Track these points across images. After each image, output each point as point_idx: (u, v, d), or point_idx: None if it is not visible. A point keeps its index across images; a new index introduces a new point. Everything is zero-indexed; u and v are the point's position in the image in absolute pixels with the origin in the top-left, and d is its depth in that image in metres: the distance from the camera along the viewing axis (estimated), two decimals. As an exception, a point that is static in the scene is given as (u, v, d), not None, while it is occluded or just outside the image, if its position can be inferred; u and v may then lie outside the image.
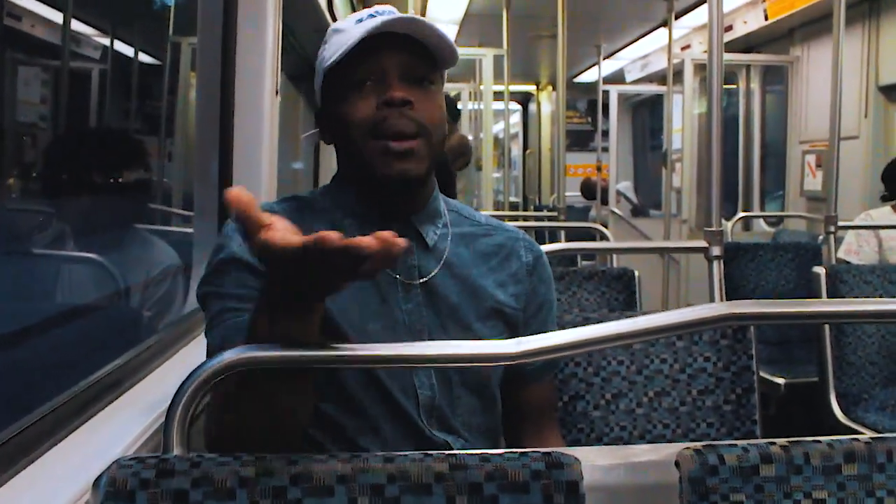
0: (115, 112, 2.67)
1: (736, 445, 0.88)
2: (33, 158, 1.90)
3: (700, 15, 5.43)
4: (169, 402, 0.94)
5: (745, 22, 5.35)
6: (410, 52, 1.09)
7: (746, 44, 5.75)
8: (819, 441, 0.90)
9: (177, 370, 1.30)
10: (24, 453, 0.93)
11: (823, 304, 1.02)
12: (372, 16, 1.09)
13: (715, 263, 2.01)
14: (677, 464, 0.87)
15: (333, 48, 1.10)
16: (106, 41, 2.53)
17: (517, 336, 1.15)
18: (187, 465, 0.83)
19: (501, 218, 4.40)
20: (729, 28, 5.41)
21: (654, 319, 0.90)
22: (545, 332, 1.19)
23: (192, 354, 1.27)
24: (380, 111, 1.07)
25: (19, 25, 1.97)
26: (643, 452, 0.99)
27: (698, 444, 0.87)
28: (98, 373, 1.18)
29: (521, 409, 1.23)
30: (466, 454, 0.85)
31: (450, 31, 6.72)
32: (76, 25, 2.24)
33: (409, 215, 1.16)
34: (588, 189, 7.35)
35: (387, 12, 1.10)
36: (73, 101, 2.19)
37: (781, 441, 0.90)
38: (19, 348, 1.32)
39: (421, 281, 1.15)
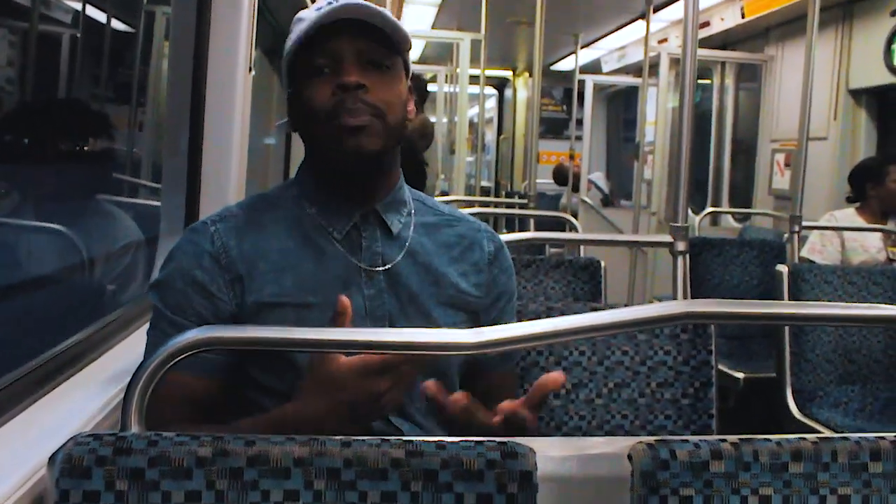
0: (86, 79, 2.63)
1: (688, 441, 0.90)
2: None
3: (678, 9, 5.46)
4: (128, 379, 0.94)
5: (723, 19, 5.39)
6: (366, 37, 1.11)
7: (723, 40, 5.80)
8: (768, 440, 0.92)
9: (137, 347, 1.29)
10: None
11: (780, 307, 1.05)
12: (330, 2, 1.11)
13: (679, 259, 2.04)
14: (630, 457, 0.89)
15: (294, 36, 1.13)
16: (78, 5, 2.49)
17: (477, 324, 1.19)
18: (145, 444, 0.83)
19: (472, 203, 4.42)
20: (706, 24, 5.45)
21: (613, 315, 0.91)
22: (504, 321, 1.25)
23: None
24: (335, 96, 1.10)
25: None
26: (597, 445, 1.01)
27: (651, 439, 0.89)
28: (57, 347, 1.18)
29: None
30: (423, 441, 0.86)
31: (428, 14, 6.69)
32: (48, -12, 2.20)
33: (373, 203, 1.18)
34: (560, 175, 7.38)
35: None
36: (42, 65, 2.15)
37: (732, 438, 0.92)
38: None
39: (384, 268, 1.17)
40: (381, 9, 1.10)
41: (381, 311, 1.15)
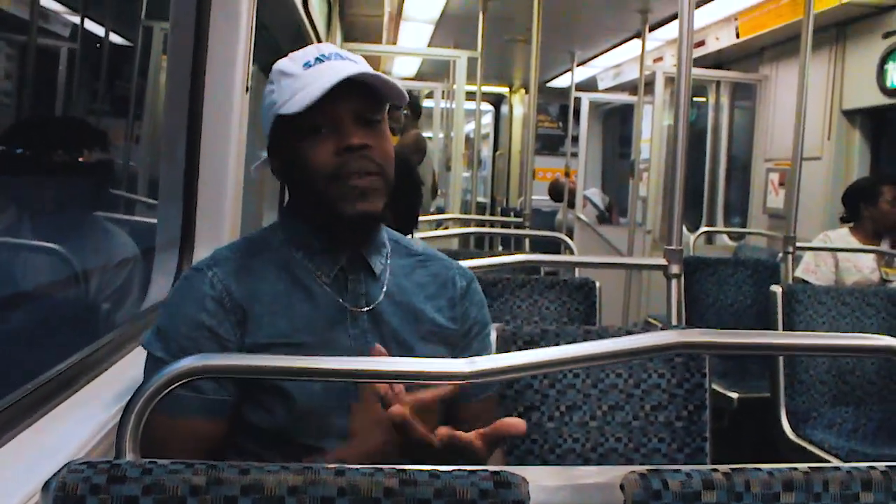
0: (83, 92, 2.64)
1: (680, 471, 0.91)
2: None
3: (673, 29, 5.48)
4: (123, 401, 0.94)
5: (718, 38, 5.43)
6: (363, 97, 1.14)
7: (718, 60, 5.84)
8: (760, 469, 0.93)
9: (131, 368, 1.29)
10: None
11: (772, 337, 1.05)
12: (319, 59, 1.14)
13: (674, 282, 2.05)
14: (622, 487, 0.89)
15: (286, 94, 1.13)
16: (76, 19, 2.50)
17: (455, 356, 1.22)
18: (139, 472, 0.83)
19: (468, 222, 4.42)
20: (701, 43, 5.49)
21: (605, 345, 0.92)
22: (478, 349, 1.29)
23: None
24: (339, 157, 1.13)
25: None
26: (590, 474, 1.01)
27: (643, 468, 0.89)
28: (52, 370, 1.18)
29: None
30: (417, 469, 0.86)
31: (425, 32, 6.72)
32: (46, 1, 2.21)
33: (359, 248, 1.22)
34: (556, 191, 7.40)
35: (333, 55, 1.15)
36: (40, 78, 2.15)
37: (724, 468, 0.93)
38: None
39: (368, 309, 1.20)
40: (385, 76, 1.13)
41: (365, 348, 1.17)
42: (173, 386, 0.88)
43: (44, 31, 2.26)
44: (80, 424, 1.06)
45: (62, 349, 1.29)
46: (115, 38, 2.88)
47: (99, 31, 2.73)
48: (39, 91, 2.16)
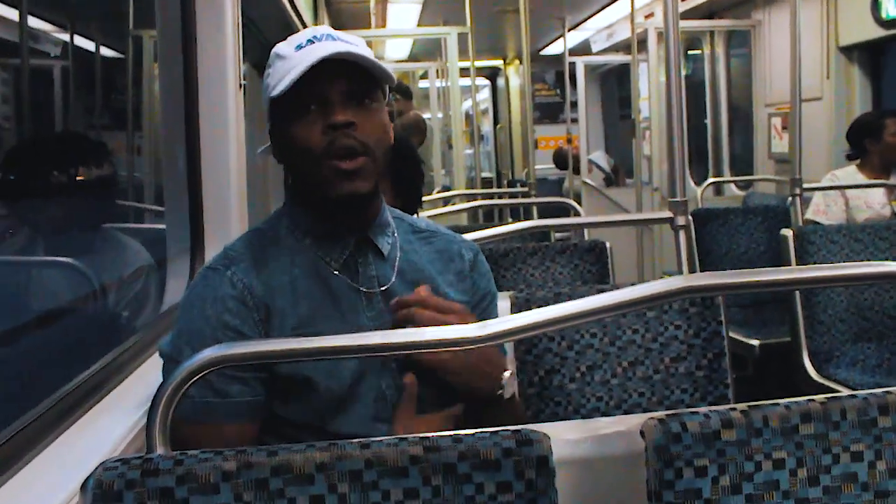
0: (80, 108, 2.66)
1: (698, 412, 0.92)
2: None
3: (662, -17, 5.44)
4: (149, 402, 0.97)
5: (708, -13, 5.38)
6: (350, 76, 1.15)
7: (709, 9, 5.78)
8: (777, 404, 0.94)
9: (155, 371, 1.32)
10: (13, 460, 0.95)
11: (778, 273, 1.06)
12: (311, 41, 1.15)
13: (681, 233, 2.05)
14: (642, 433, 0.91)
15: (277, 75, 1.15)
16: (65, 37, 2.51)
17: None
18: (171, 464, 0.86)
19: (474, 196, 4.42)
20: (691, -6, 5.44)
21: (611, 297, 0.93)
22: (491, 319, 1.28)
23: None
24: (326, 135, 1.14)
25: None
26: (610, 424, 1.03)
27: (662, 414, 0.91)
28: (80, 376, 1.20)
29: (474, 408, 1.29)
30: (439, 436, 0.88)
31: (413, 12, 6.69)
32: (34, 22, 2.22)
33: (364, 230, 1.23)
34: (560, 159, 7.37)
35: (324, 36, 1.16)
36: (36, 99, 2.17)
37: (742, 406, 0.94)
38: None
39: (381, 289, 1.22)
40: (365, 53, 1.14)
41: (384, 329, 1.19)
42: (196, 377, 0.90)
43: (35, 51, 2.27)
44: (110, 426, 1.09)
45: (86, 358, 1.32)
46: (105, 52, 2.90)
47: (89, 45, 2.74)
48: (37, 111, 2.18)
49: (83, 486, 0.85)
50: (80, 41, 2.62)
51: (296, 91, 1.13)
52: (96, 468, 0.85)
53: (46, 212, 1.90)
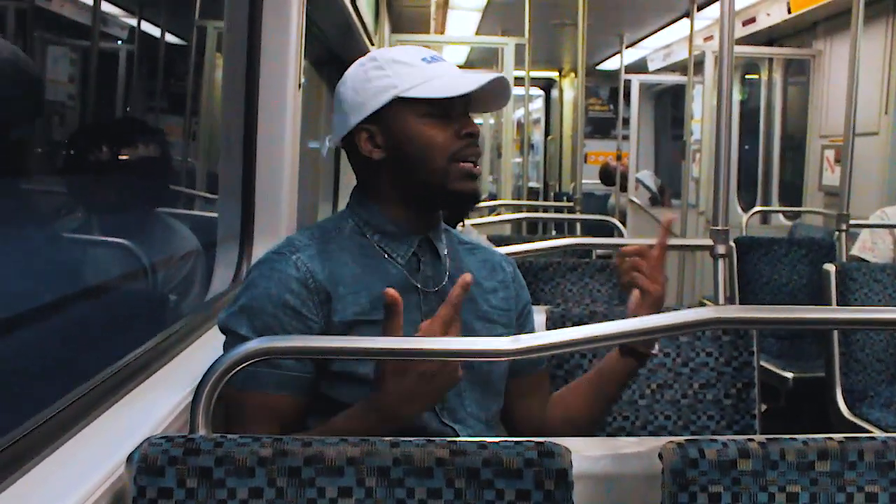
0: (142, 92, 2.74)
1: (717, 440, 0.95)
2: (61, 139, 1.96)
3: (723, 7, 5.41)
4: (194, 383, 1.02)
5: (769, 14, 5.34)
6: (476, 95, 1.29)
7: (770, 36, 5.74)
8: (794, 439, 0.97)
9: (200, 353, 1.38)
10: (65, 429, 1.01)
11: (809, 311, 1.08)
12: (432, 59, 1.29)
13: (720, 261, 2.07)
14: (660, 456, 0.94)
15: (410, 79, 1.26)
16: (133, 21, 2.59)
17: (511, 333, 1.33)
18: (212, 445, 0.91)
19: (520, 207, 4.45)
20: (752, 20, 5.40)
21: (642, 322, 0.96)
22: (529, 329, 1.41)
23: (215, 338, 1.35)
24: (461, 140, 1.28)
25: (48, 5, 2.05)
26: (630, 444, 1.06)
27: (681, 439, 0.94)
28: (130, 355, 1.27)
29: (514, 398, 1.39)
30: (466, 441, 0.93)
31: (472, 20, 6.74)
32: (104, 6, 2.31)
33: (429, 232, 1.33)
34: (606, 175, 7.37)
35: (437, 57, 1.31)
36: (100, 81, 2.25)
37: (760, 438, 0.97)
38: (59, 329, 1.41)
39: (435, 289, 1.30)
40: (510, 87, 1.32)
41: None
42: (241, 366, 0.95)
43: (104, 34, 2.36)
44: (157, 404, 1.15)
45: (135, 338, 1.38)
46: (170, 39, 2.99)
47: (155, 31, 2.83)
48: (101, 93, 2.26)
49: (129, 459, 0.90)
50: (147, 27, 2.71)
51: (437, 100, 1.26)
52: (142, 443, 0.91)
53: (102, 193, 1.97)
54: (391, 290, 1.11)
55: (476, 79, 1.26)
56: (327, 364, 1.20)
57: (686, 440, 0.94)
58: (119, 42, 2.47)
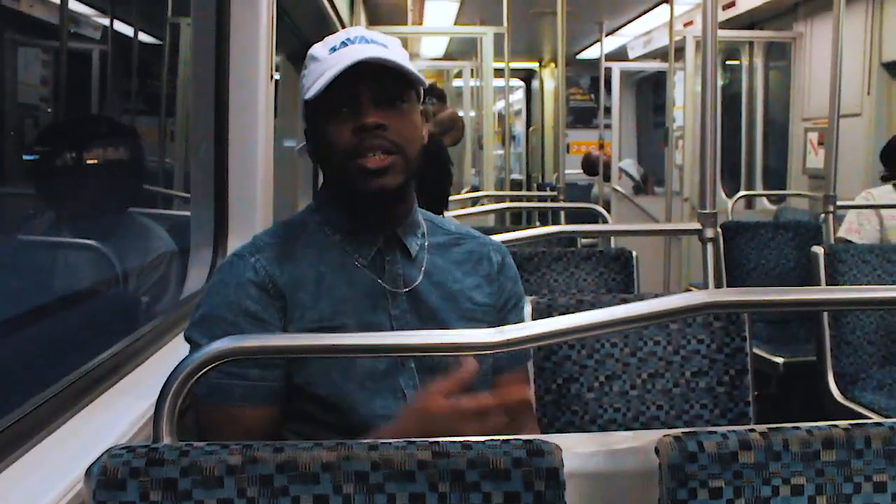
0: (116, 92, 2.68)
1: (716, 432, 0.90)
2: (33, 141, 1.90)
3: (702, -9, 5.37)
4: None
5: (749, -2, 5.31)
6: (382, 78, 1.17)
7: (750, 19, 5.70)
8: (798, 427, 0.91)
9: (171, 358, 1.31)
10: (20, 442, 0.94)
11: (804, 293, 1.03)
12: (344, 43, 1.17)
13: (709, 245, 2.02)
14: (657, 451, 0.88)
15: (312, 78, 1.18)
16: (105, 21, 2.53)
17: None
18: (177, 455, 0.85)
19: (502, 198, 4.42)
20: (732, 4, 5.37)
21: (633, 308, 0.91)
22: (513, 321, 1.31)
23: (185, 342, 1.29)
24: (355, 136, 1.16)
25: (17, 6, 1.98)
26: (624, 439, 1.01)
27: (678, 431, 0.89)
28: (93, 361, 1.20)
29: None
30: (449, 441, 0.87)
31: (450, 10, 6.68)
32: (74, 5, 2.24)
33: (394, 228, 1.25)
34: (589, 165, 7.32)
35: (358, 38, 1.18)
36: (73, 82, 2.19)
37: (761, 428, 0.91)
38: (17, 336, 1.34)
39: (406, 290, 1.23)
40: (396, 59, 1.15)
41: (406, 328, 1.20)
42: (206, 369, 0.89)
43: (75, 35, 2.29)
44: (121, 413, 1.09)
45: (101, 341, 1.32)
46: (143, 38, 2.92)
47: (128, 31, 2.76)
48: (73, 94, 2.20)
49: (88, 472, 0.84)
50: (119, 27, 2.64)
51: (329, 93, 1.15)
52: (102, 454, 0.85)
53: (72, 194, 1.91)
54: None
55: (341, 65, 1.14)
56: (292, 376, 1.14)
57: (683, 433, 0.89)
58: (92, 42, 2.41)
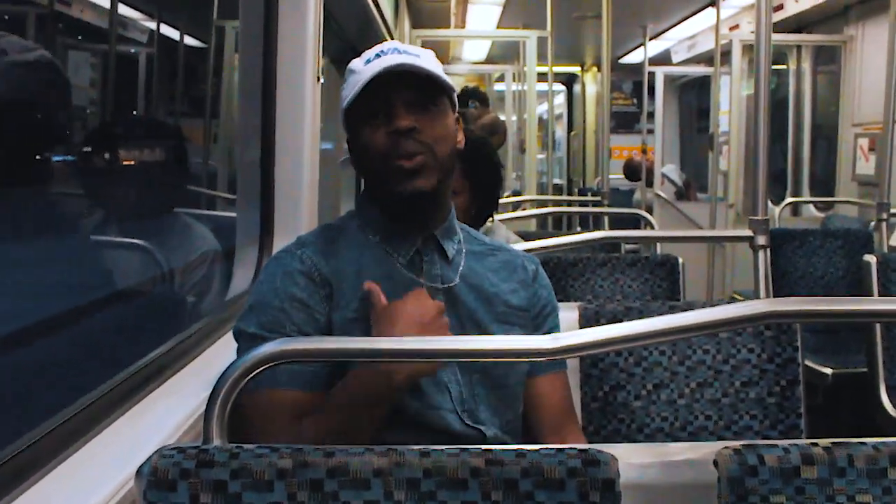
0: (163, 95, 2.71)
1: (777, 446, 0.87)
2: (82, 142, 1.93)
3: (749, -6, 5.30)
4: (210, 389, 0.96)
5: (797, 1, 5.20)
6: (414, 84, 1.23)
7: (798, 23, 5.60)
8: (864, 443, 0.88)
9: (218, 358, 1.32)
10: (72, 439, 0.95)
11: (869, 303, 0.99)
12: (378, 55, 1.24)
13: (760, 253, 1.97)
14: (716, 463, 0.86)
15: (349, 88, 1.25)
16: (152, 25, 2.56)
17: (528, 334, 1.28)
18: (227, 457, 0.84)
19: (545, 202, 4.40)
20: (780, 7, 5.27)
21: (692, 317, 0.88)
22: (548, 328, 1.35)
23: (233, 341, 1.29)
24: (389, 139, 1.22)
25: (69, 11, 2.01)
26: (681, 451, 0.98)
27: (737, 444, 0.86)
28: (142, 360, 1.21)
29: (531, 402, 1.32)
30: (503, 449, 0.85)
31: (493, 14, 6.66)
32: (123, 10, 2.27)
33: (431, 230, 1.29)
34: (631, 170, 7.25)
35: (391, 50, 1.24)
36: (120, 84, 2.22)
37: (824, 442, 0.88)
38: (68, 334, 1.36)
39: (443, 287, 1.27)
40: (424, 65, 1.21)
41: None
42: (257, 371, 0.88)
43: (123, 38, 2.33)
44: (171, 411, 1.09)
45: (150, 341, 1.32)
46: (189, 41, 2.95)
47: (174, 34, 2.80)
48: (121, 97, 2.23)
49: (138, 472, 0.84)
50: (165, 30, 2.68)
51: (364, 101, 1.22)
52: (152, 454, 0.85)
53: (121, 194, 1.93)
54: (370, 284, 1.15)
55: (372, 71, 1.20)
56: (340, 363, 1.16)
57: (743, 445, 0.86)
58: (139, 45, 2.45)
